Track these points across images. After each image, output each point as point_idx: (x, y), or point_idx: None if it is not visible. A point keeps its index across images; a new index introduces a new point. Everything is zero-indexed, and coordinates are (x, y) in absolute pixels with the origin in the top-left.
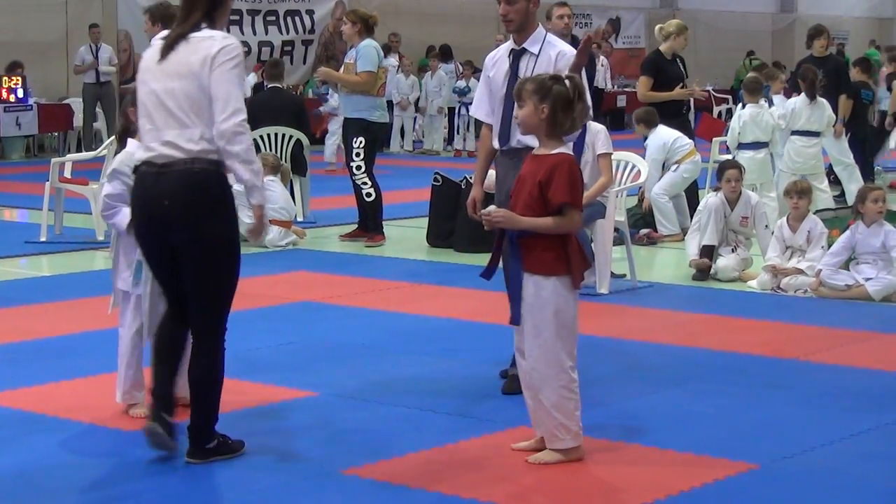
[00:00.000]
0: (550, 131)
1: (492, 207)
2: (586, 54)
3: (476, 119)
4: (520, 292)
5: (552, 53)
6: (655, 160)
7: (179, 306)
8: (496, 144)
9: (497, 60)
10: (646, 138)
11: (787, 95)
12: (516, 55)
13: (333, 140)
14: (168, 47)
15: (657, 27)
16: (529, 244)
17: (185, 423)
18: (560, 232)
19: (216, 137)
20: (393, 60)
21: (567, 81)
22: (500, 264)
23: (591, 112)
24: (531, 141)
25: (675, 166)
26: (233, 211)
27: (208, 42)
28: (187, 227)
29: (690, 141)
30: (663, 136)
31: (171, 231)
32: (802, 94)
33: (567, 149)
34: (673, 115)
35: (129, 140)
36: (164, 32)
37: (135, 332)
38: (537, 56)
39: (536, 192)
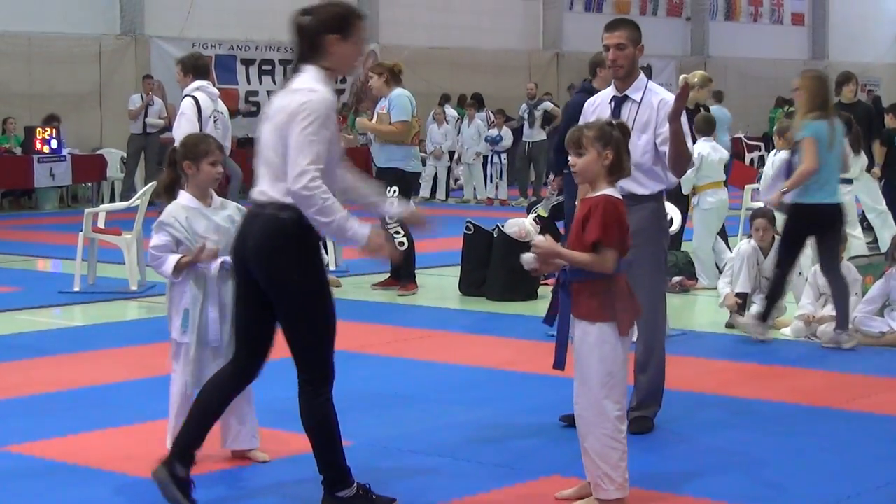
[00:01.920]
0: (613, 176)
1: (539, 237)
2: (685, 99)
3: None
4: (566, 337)
5: (654, 101)
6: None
7: (246, 349)
8: None
9: (598, 106)
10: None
11: None
12: (618, 102)
13: None
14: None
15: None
16: (578, 289)
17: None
18: (594, 269)
19: None
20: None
21: (619, 126)
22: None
23: (692, 159)
24: (634, 187)
25: (696, 199)
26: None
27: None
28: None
29: (721, 175)
30: (701, 148)
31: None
32: None
33: (615, 191)
34: None
35: (182, 192)
36: (198, 83)
37: (186, 380)
38: (640, 103)
39: (580, 231)
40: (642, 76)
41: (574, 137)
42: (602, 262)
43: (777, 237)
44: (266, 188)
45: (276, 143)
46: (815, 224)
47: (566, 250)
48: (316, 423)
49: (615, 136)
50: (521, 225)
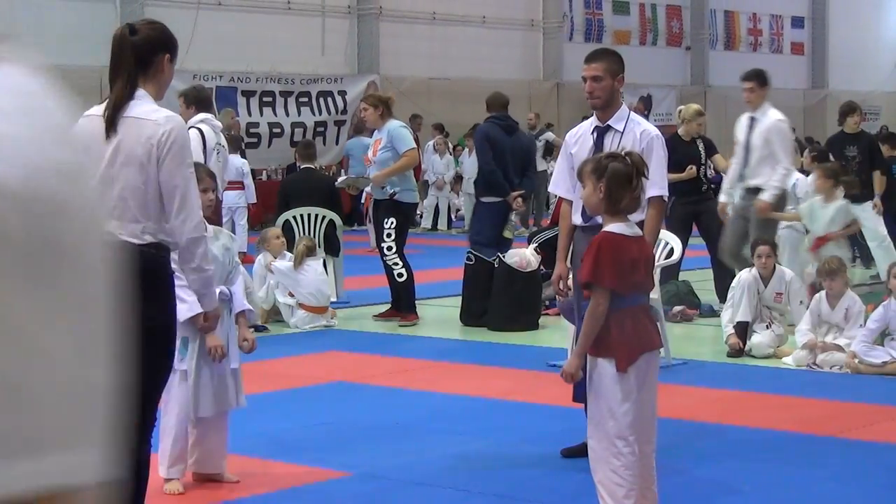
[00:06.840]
0: (610, 209)
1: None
2: None
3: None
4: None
5: (637, 131)
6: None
7: None
8: (577, 221)
9: (580, 137)
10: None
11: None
12: (600, 132)
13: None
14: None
15: (678, 109)
16: None
17: None
18: (592, 317)
19: None
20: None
21: (628, 158)
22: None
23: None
24: None
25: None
26: None
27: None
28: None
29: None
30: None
31: None
32: None
33: (623, 226)
34: (686, 193)
35: None
36: (202, 115)
37: (181, 406)
38: (622, 133)
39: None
40: (624, 106)
41: (579, 170)
42: (594, 305)
43: (778, 265)
44: (113, 229)
45: (133, 179)
46: None
47: (583, 338)
48: (132, 477)
49: (610, 167)
50: (523, 255)
